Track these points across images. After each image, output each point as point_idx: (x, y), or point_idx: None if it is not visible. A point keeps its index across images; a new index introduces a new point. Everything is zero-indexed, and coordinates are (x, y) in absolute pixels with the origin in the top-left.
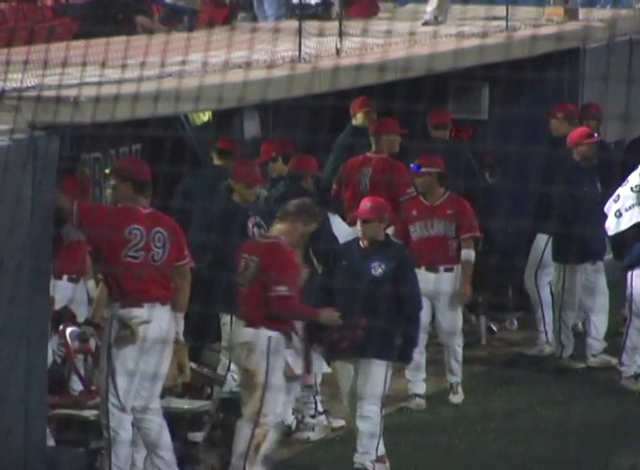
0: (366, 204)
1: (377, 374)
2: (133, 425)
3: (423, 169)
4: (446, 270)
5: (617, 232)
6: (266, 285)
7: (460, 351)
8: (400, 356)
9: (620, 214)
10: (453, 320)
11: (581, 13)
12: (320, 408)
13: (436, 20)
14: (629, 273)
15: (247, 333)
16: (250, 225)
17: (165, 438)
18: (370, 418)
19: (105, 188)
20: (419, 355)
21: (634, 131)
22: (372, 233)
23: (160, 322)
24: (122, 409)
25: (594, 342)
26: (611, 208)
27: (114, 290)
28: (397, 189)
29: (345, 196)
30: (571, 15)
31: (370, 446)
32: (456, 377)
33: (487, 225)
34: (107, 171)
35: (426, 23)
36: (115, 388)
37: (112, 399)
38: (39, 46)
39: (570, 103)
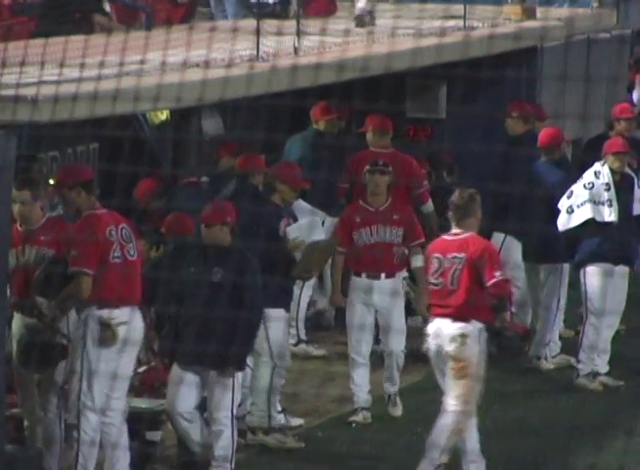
0: (208, 208)
1: (223, 385)
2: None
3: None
4: (387, 276)
5: (567, 229)
6: (480, 277)
7: (403, 357)
8: (236, 365)
9: (572, 211)
10: (398, 323)
11: (539, 12)
12: (279, 408)
13: (371, 15)
14: (581, 271)
15: (460, 326)
16: (282, 226)
17: (125, 438)
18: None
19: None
20: (365, 368)
21: (592, 130)
22: (215, 237)
23: (136, 323)
24: (94, 410)
25: (551, 344)
26: (564, 204)
27: (94, 291)
28: (414, 182)
29: (355, 191)
30: (529, 14)
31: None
32: (395, 387)
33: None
34: (50, 184)
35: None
36: (90, 389)
37: (84, 399)
38: None
39: (527, 102)
